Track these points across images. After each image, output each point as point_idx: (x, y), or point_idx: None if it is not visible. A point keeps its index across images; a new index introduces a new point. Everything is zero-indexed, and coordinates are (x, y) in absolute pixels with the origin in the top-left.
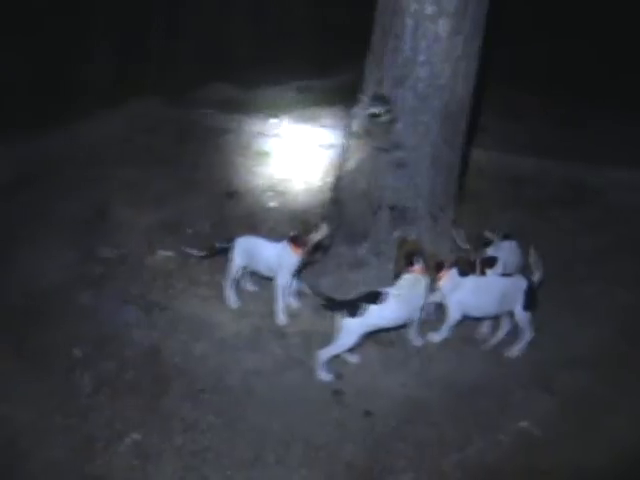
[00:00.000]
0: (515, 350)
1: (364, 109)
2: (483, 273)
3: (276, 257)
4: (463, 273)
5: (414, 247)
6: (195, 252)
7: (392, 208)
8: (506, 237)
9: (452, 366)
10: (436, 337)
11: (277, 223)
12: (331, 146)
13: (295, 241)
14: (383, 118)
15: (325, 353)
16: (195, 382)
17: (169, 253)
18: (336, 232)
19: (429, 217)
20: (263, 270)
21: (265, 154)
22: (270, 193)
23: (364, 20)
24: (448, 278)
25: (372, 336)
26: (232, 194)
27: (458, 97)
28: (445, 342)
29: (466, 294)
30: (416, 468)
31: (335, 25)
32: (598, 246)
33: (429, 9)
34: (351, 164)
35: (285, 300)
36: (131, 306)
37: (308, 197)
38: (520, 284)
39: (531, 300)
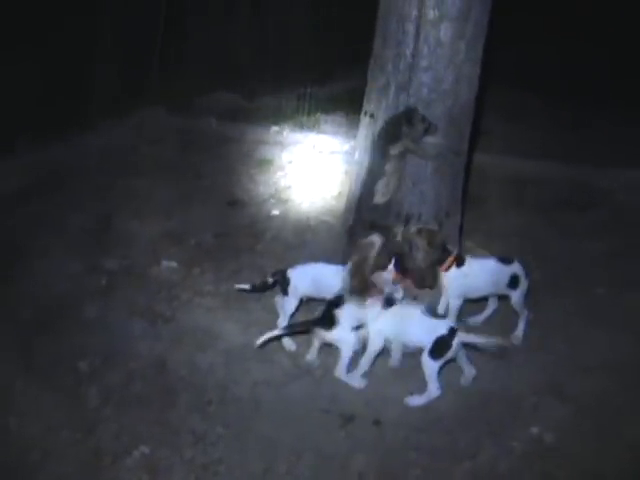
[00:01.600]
0: (414, 400)
1: (414, 129)
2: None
3: (342, 282)
4: (388, 303)
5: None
6: (245, 287)
7: (397, 215)
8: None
9: (461, 373)
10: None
11: (280, 231)
12: (332, 153)
13: None
14: (432, 129)
15: (343, 369)
16: (202, 394)
17: (173, 264)
18: None
19: (435, 223)
20: (328, 296)
21: (267, 162)
22: (273, 201)
23: (365, 26)
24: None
25: None
26: (235, 203)
27: (462, 102)
28: None
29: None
30: (428, 477)
31: (336, 32)
32: (608, 249)
33: (431, 14)
34: (392, 188)
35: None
36: (137, 318)
37: (311, 205)
38: (439, 328)
39: (439, 350)
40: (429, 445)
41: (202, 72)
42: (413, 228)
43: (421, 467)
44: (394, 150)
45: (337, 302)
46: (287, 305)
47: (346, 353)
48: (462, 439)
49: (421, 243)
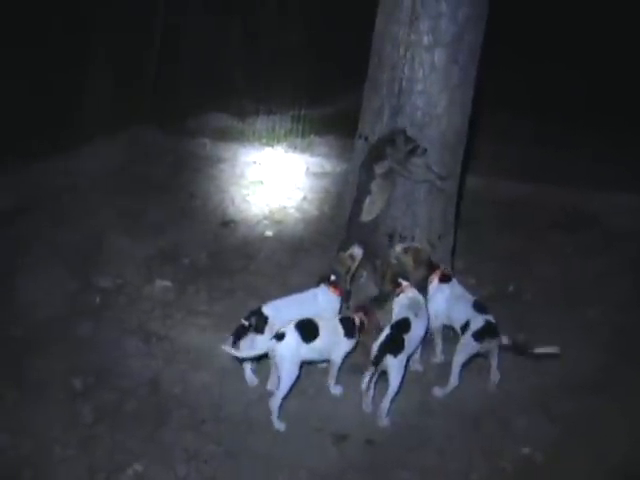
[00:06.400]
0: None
1: (396, 149)
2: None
3: (321, 304)
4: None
5: (398, 269)
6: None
7: (390, 236)
8: None
9: (452, 393)
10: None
11: (274, 252)
12: (326, 175)
13: (334, 284)
14: (419, 151)
15: (389, 400)
16: (196, 412)
17: (167, 283)
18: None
19: (427, 245)
20: None
21: (260, 183)
22: (265, 222)
23: (360, 49)
24: None
25: None
26: (228, 223)
27: (455, 126)
28: (444, 369)
29: None
30: None
31: (330, 54)
32: (597, 270)
33: (425, 39)
34: (378, 206)
35: None
36: (130, 336)
37: (304, 226)
38: None
39: None
40: (421, 465)
41: (195, 92)
42: (399, 247)
43: None
44: (379, 169)
45: (405, 325)
46: (260, 344)
47: (396, 382)
48: (454, 459)
49: (407, 261)
